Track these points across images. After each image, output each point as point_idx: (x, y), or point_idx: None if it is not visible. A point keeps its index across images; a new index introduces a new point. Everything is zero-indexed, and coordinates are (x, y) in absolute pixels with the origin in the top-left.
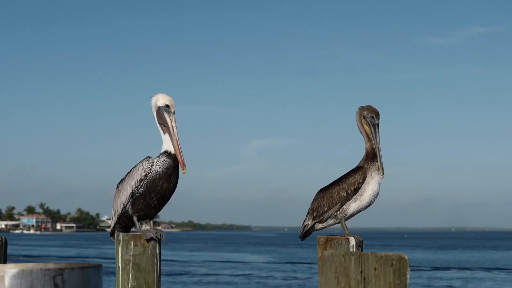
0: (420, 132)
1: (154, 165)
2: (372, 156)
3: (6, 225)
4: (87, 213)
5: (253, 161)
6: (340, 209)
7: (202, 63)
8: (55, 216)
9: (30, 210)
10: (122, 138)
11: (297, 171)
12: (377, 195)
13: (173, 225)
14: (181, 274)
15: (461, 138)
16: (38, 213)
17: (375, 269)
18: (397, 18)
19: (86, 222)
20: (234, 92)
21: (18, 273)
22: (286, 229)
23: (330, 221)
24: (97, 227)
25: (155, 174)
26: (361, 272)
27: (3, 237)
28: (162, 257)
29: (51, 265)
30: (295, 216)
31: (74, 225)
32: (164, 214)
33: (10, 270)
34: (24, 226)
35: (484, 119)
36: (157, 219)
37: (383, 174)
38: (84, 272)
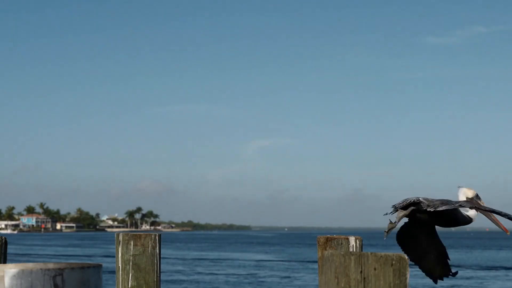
0: (420, 132)
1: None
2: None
3: (6, 225)
4: (87, 213)
5: (253, 161)
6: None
7: (202, 62)
8: (55, 216)
9: (30, 210)
10: (122, 139)
11: (297, 171)
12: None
13: (173, 225)
14: (181, 274)
15: (461, 138)
16: (38, 213)
17: (375, 269)
18: (397, 18)
19: (86, 222)
20: (234, 92)
21: (18, 273)
22: (286, 229)
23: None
24: (97, 227)
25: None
26: (361, 272)
27: (3, 237)
28: (163, 257)
29: (51, 265)
30: (295, 216)
31: (74, 225)
32: (164, 214)
33: (10, 270)
34: (24, 226)
35: (485, 119)
36: (157, 219)
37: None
38: (84, 272)
